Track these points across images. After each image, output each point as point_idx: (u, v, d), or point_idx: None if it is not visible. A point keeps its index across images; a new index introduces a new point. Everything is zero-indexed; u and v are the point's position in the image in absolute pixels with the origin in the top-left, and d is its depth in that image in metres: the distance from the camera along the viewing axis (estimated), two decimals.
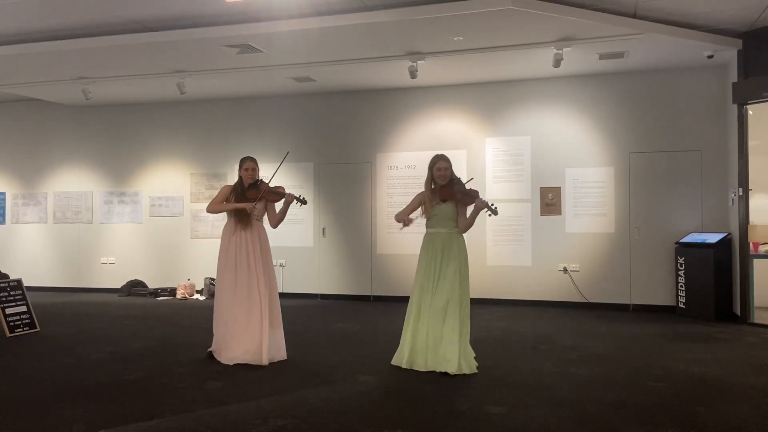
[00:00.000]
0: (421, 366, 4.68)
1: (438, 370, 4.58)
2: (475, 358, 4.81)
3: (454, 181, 4.83)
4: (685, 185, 7.76)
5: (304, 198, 5.18)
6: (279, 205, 5.28)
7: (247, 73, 7.97)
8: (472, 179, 5.51)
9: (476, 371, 4.63)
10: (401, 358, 4.80)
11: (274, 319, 5.11)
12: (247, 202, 5.10)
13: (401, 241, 8.69)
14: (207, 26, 6.58)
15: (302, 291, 9.19)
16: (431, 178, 4.85)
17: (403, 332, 4.87)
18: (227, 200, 5.20)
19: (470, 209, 4.78)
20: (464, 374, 4.53)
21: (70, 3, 6.01)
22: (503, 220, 8.12)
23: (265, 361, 4.89)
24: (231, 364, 4.90)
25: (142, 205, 10.02)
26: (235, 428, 3.48)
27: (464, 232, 4.86)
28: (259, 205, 5.17)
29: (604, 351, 5.46)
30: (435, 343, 4.64)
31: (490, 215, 4.64)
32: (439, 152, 5.01)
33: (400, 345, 4.89)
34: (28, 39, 7.08)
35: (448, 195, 4.78)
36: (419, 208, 4.88)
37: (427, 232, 4.87)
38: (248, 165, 5.20)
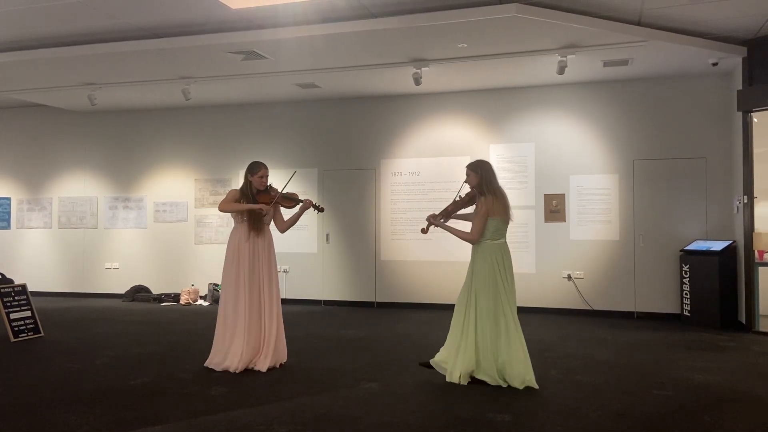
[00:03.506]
0: (489, 378, 4.44)
1: (519, 386, 4.38)
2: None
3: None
4: (689, 193, 7.74)
5: (321, 206, 5.24)
6: (291, 211, 5.26)
7: (252, 79, 8.00)
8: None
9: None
10: (460, 373, 4.48)
11: (279, 326, 5.11)
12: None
13: (405, 248, 8.70)
14: (212, 33, 6.61)
15: (306, 297, 9.18)
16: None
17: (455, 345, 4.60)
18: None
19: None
20: (475, 382, 4.51)
21: (77, 10, 6.05)
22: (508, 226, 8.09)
23: (265, 368, 4.89)
24: (234, 371, 4.86)
25: (146, 210, 10.04)
26: None
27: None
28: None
29: (609, 359, 5.44)
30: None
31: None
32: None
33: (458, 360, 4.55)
34: (35, 45, 7.13)
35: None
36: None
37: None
38: (263, 172, 5.16)
